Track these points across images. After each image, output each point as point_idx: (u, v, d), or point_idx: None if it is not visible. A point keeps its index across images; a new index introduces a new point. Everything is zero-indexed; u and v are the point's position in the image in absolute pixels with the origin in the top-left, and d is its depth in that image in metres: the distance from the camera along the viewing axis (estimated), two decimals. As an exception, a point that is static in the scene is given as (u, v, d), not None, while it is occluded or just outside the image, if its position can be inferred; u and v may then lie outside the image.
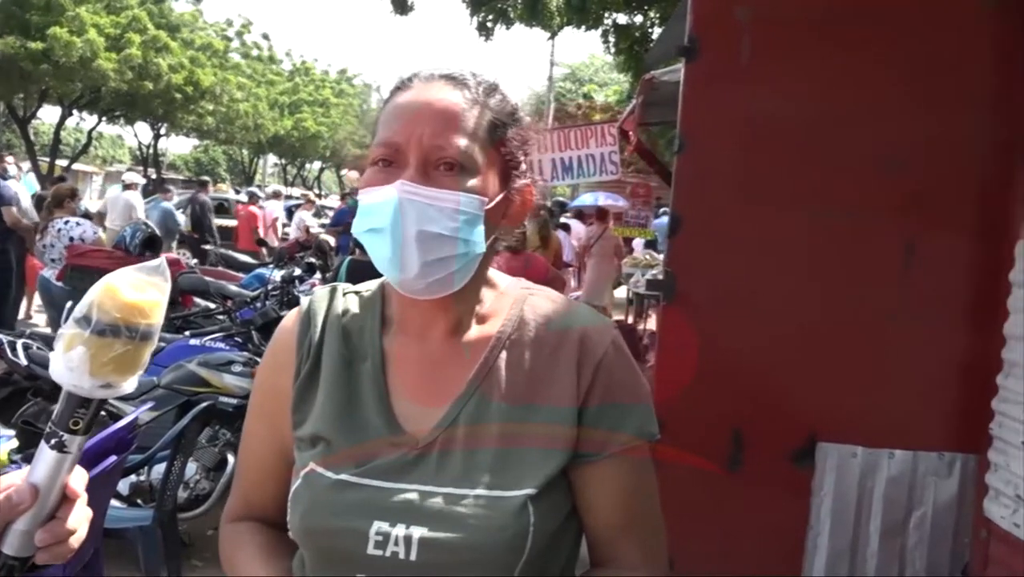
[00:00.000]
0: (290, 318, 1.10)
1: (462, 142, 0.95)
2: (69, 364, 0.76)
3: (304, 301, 1.10)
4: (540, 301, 1.05)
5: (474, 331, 1.02)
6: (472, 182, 0.96)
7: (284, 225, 15.14)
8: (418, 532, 0.90)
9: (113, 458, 2.19)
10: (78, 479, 0.81)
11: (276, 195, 16.23)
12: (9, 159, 10.21)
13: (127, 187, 11.06)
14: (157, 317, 0.79)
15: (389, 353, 1.03)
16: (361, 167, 1.07)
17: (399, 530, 0.91)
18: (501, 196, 0.99)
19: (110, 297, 0.77)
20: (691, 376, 2.32)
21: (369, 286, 1.10)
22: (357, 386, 1.01)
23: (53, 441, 0.78)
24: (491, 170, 0.98)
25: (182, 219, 12.72)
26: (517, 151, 1.02)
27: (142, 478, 3.45)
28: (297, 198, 22.96)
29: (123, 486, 3.34)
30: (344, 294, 1.09)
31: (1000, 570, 2.21)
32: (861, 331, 2.33)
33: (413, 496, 0.93)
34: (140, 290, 0.78)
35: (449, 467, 0.94)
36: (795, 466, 2.37)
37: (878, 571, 2.40)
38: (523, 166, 1.03)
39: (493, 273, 1.06)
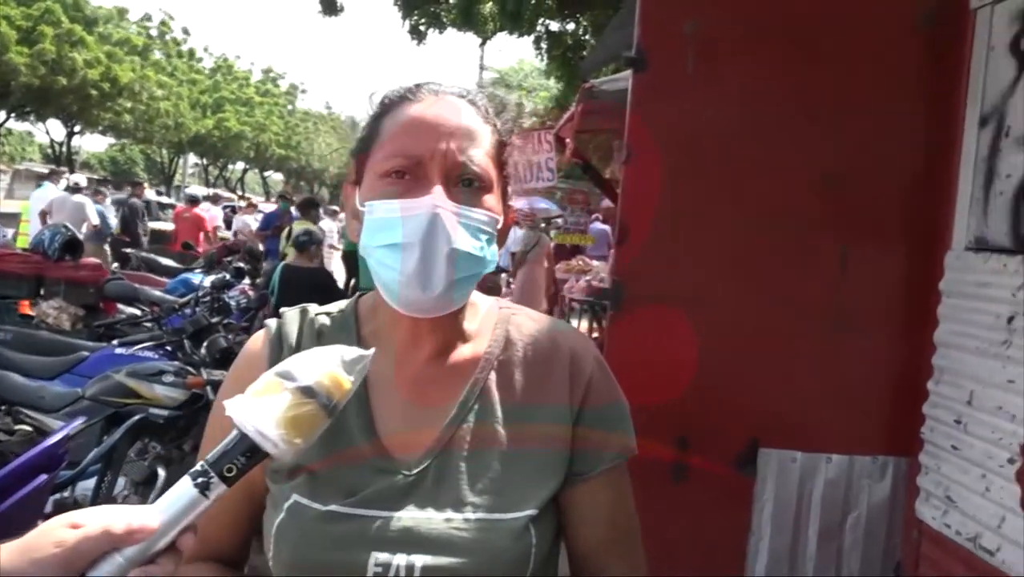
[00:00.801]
0: (256, 340, 1.05)
1: (482, 160, 0.94)
2: (262, 408, 0.75)
3: (272, 323, 1.05)
4: (523, 321, 1.04)
5: (460, 352, 1.00)
6: (489, 200, 0.95)
7: (217, 229, 14.93)
8: (420, 560, 0.88)
9: (43, 476, 2.08)
10: (190, 538, 0.75)
11: (216, 199, 16.00)
12: None
13: (75, 190, 10.94)
14: (344, 402, 0.79)
15: (371, 377, 0.98)
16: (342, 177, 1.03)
17: (400, 559, 0.88)
18: (503, 215, 0.99)
19: (323, 365, 0.78)
20: (637, 384, 2.33)
21: (339, 306, 1.07)
22: (339, 412, 0.98)
23: (200, 480, 0.75)
24: (498, 189, 0.98)
25: (114, 222, 12.42)
26: (510, 171, 1.01)
27: (66, 495, 3.29)
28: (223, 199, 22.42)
29: (47, 504, 3.19)
30: (315, 315, 1.05)
31: (931, 569, 2.29)
32: (800, 340, 2.39)
33: (411, 523, 0.90)
34: (347, 371, 0.79)
35: (446, 492, 0.92)
36: (738, 472, 2.41)
37: (816, 572, 2.46)
38: (509, 187, 1.02)
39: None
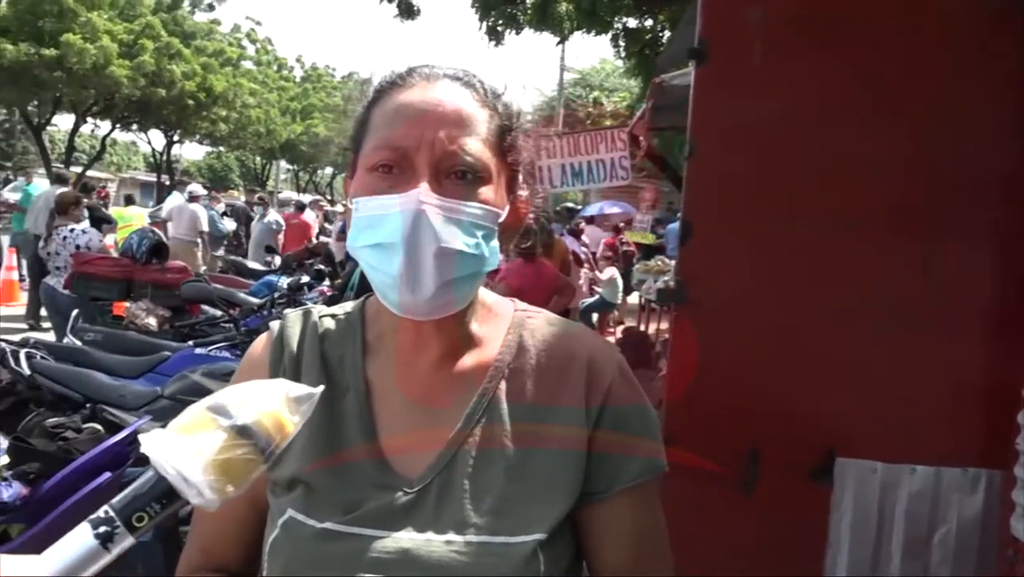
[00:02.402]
0: (259, 344, 1.00)
1: (477, 148, 0.86)
2: (188, 447, 0.65)
3: (274, 325, 1.00)
4: (539, 325, 0.96)
5: (469, 358, 0.93)
6: (486, 192, 0.87)
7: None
8: None
9: (108, 474, 2.13)
10: None
11: (314, 205, 16.57)
12: None
13: (193, 199, 11.54)
14: (284, 445, 0.70)
15: (374, 383, 0.93)
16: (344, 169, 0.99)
17: None
18: (508, 208, 0.91)
19: (265, 402, 0.69)
20: (703, 389, 2.25)
21: (346, 308, 1.00)
22: (339, 422, 0.91)
23: (102, 529, 0.64)
24: (500, 179, 0.90)
25: (232, 225, 13.03)
26: (520, 158, 0.93)
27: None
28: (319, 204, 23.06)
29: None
30: (320, 317, 0.99)
31: (1028, 591, 2.12)
32: (880, 343, 2.25)
33: (409, 545, 0.83)
34: (291, 412, 0.70)
35: (448, 511, 0.85)
36: (814, 482, 2.28)
37: (901, 589, 2.31)
38: (520, 175, 0.94)
39: (482, 291, 0.97)
